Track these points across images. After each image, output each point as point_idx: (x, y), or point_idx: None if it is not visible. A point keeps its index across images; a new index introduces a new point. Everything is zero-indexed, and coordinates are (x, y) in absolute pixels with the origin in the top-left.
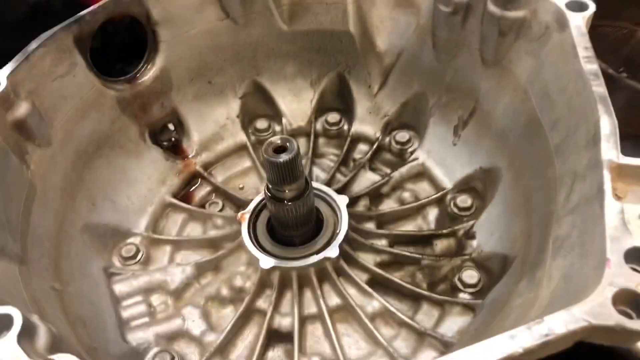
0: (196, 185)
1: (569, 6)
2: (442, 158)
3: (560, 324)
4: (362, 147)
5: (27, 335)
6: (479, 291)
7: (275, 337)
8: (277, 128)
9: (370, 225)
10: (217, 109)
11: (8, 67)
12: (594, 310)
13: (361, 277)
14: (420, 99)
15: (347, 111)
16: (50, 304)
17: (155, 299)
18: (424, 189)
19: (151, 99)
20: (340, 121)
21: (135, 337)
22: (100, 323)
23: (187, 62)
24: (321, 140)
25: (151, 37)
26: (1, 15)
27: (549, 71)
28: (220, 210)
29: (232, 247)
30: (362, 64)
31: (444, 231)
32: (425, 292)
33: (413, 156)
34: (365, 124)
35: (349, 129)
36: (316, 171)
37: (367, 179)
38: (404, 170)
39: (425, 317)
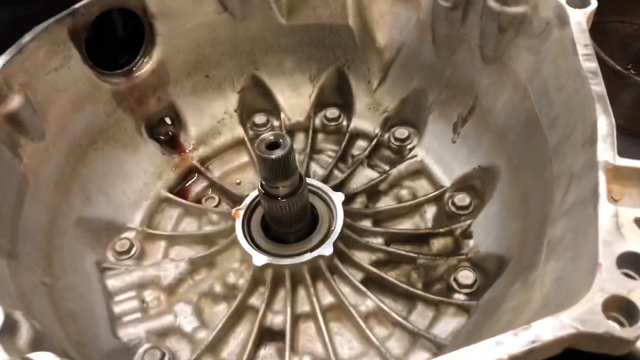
0: (193, 180)
1: (570, 2)
2: (441, 156)
3: (547, 330)
4: (361, 143)
5: (8, 332)
6: (475, 292)
7: (267, 335)
8: (276, 123)
9: (366, 223)
10: (215, 103)
11: (0, 60)
12: (582, 316)
13: (355, 276)
14: (420, 95)
15: (346, 107)
16: (39, 298)
17: (148, 295)
18: (422, 186)
19: (148, 92)
20: (339, 117)
21: (126, 333)
22: (91, 318)
23: (185, 56)
24: (320, 136)
25: (148, 30)
26: None
27: (549, 68)
28: (217, 206)
29: (226, 243)
30: (361, 58)
31: (441, 230)
32: (420, 292)
33: (412, 153)
34: (365, 120)
35: (348, 125)
36: (314, 167)
37: (365, 176)
38: (402, 167)
39: (420, 317)
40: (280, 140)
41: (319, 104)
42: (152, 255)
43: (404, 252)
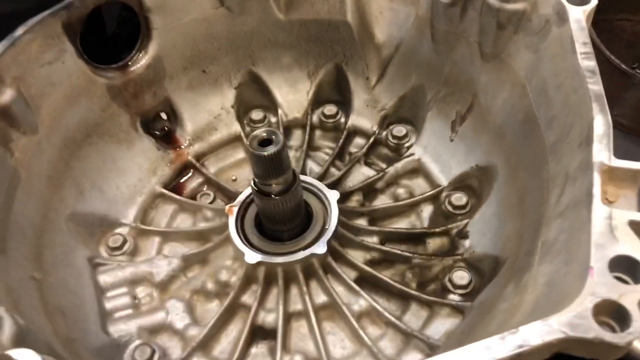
0: (188, 176)
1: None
2: (439, 154)
3: (535, 334)
4: (359, 140)
5: None
6: (470, 293)
7: (259, 333)
8: (273, 119)
9: (361, 222)
10: (212, 99)
11: None
12: (572, 321)
13: (349, 275)
14: (418, 92)
15: (344, 104)
16: (28, 293)
17: (141, 291)
18: (419, 185)
19: (143, 87)
20: (337, 114)
21: (117, 329)
22: (81, 314)
23: (181, 51)
24: (317, 133)
25: (143, 25)
26: None
27: (547, 66)
28: (212, 202)
29: (218, 240)
30: (360, 55)
31: (437, 230)
32: (414, 292)
33: (409, 151)
34: (362, 117)
35: (346, 122)
36: (310, 164)
37: (362, 174)
38: (399, 165)
39: (414, 317)
40: (273, 136)
41: (317, 101)
42: (145, 252)
43: (399, 252)
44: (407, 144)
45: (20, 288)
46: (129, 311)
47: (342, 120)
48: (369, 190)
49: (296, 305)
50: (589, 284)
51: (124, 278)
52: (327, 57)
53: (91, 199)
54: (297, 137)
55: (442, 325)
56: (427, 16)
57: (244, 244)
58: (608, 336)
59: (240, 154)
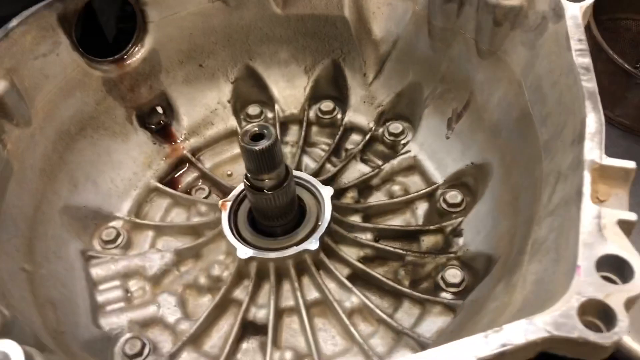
0: (183, 170)
1: None
2: (435, 151)
3: (519, 333)
4: (355, 137)
5: None
6: (462, 291)
7: (250, 328)
8: (270, 115)
9: (355, 218)
10: (208, 93)
11: None
12: (557, 320)
13: (342, 271)
14: (415, 89)
15: (341, 100)
16: (18, 285)
17: (133, 285)
18: (414, 182)
19: (139, 81)
20: (333, 110)
21: (109, 322)
22: (72, 306)
23: (177, 44)
24: (314, 129)
25: (140, 18)
26: None
27: (543, 63)
28: (207, 197)
29: (212, 235)
30: (357, 51)
31: (431, 227)
32: (407, 290)
33: (405, 148)
34: (359, 114)
35: (343, 118)
36: (306, 160)
37: (358, 170)
38: (395, 162)
39: (405, 315)
40: (265, 131)
41: (314, 97)
42: (138, 245)
43: (392, 249)
44: (403, 141)
45: (10, 280)
46: (121, 304)
47: (339, 116)
48: (364, 187)
49: (288, 301)
50: (575, 283)
51: (117, 271)
52: (324, 52)
53: (85, 192)
54: (293, 133)
55: (433, 323)
56: (424, 12)
57: (237, 239)
58: (592, 336)
59: (236, 149)
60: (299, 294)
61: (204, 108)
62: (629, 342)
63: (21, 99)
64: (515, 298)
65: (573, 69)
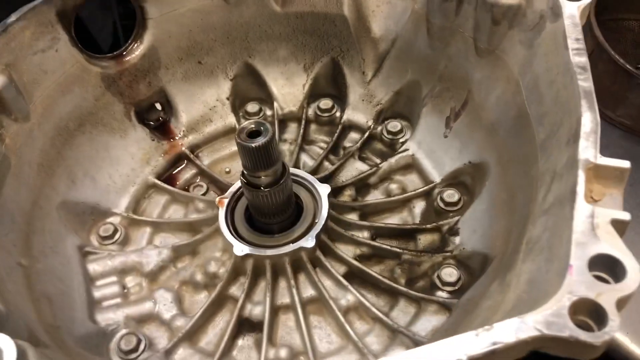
0: (181, 167)
1: None
2: (433, 150)
3: (510, 332)
4: (354, 135)
5: None
6: (458, 290)
7: (246, 325)
8: (268, 112)
9: (352, 216)
10: (207, 90)
11: None
12: (548, 319)
13: (338, 269)
14: (414, 87)
15: (340, 98)
16: (13, 279)
17: (130, 281)
18: (412, 181)
19: (138, 77)
20: (332, 107)
21: (105, 318)
22: (68, 301)
23: (176, 41)
24: (312, 127)
25: (139, 14)
26: None
27: (541, 62)
28: (205, 194)
29: (208, 232)
30: (356, 49)
31: (428, 226)
32: (403, 288)
33: (404, 147)
34: (358, 112)
35: (341, 116)
36: (304, 158)
37: (355, 169)
38: (393, 161)
39: (401, 313)
40: (262, 128)
41: (313, 94)
42: (136, 241)
43: (388, 247)
44: (401, 140)
45: (5, 274)
46: (118, 300)
47: (338, 114)
48: (362, 185)
49: (284, 299)
50: (567, 282)
51: (114, 267)
52: (323, 50)
53: (83, 188)
54: (292, 131)
55: (429, 322)
56: (423, 10)
57: (233, 236)
58: (583, 335)
59: (235, 147)
60: (294, 291)
61: (203, 105)
62: (628, 343)
63: (19, 94)
64: (509, 297)
65: (570, 68)
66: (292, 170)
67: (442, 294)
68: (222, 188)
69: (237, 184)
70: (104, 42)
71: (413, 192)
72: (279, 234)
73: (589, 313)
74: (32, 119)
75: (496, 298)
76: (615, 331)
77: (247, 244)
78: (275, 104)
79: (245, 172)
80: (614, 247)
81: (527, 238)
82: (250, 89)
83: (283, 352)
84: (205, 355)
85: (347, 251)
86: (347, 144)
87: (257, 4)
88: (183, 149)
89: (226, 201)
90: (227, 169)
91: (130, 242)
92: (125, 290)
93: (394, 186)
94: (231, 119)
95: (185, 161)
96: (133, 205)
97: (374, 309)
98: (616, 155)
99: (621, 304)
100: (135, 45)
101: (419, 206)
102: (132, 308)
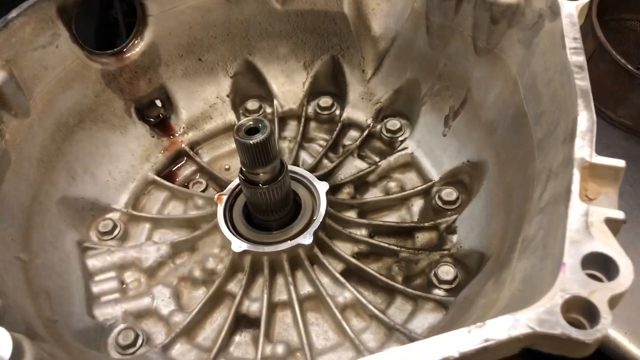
0: (181, 164)
1: None
2: (432, 149)
3: (502, 329)
4: (353, 133)
5: None
6: (455, 288)
7: (243, 321)
8: (268, 110)
9: (351, 214)
10: (207, 88)
11: None
12: (540, 316)
13: (335, 267)
14: (413, 86)
15: (340, 96)
16: (12, 274)
17: (129, 276)
18: (410, 179)
19: (138, 74)
20: (332, 105)
21: (103, 313)
22: (67, 296)
23: (177, 38)
24: (312, 125)
25: (140, 11)
26: None
27: (539, 61)
28: (204, 191)
29: (207, 228)
30: (356, 47)
31: (426, 224)
32: (400, 286)
33: (403, 145)
34: (358, 110)
35: (341, 115)
36: (304, 156)
37: (354, 167)
38: (392, 159)
39: (398, 311)
40: (260, 125)
41: (313, 92)
42: (135, 237)
43: (386, 245)
44: (400, 138)
45: (4, 268)
46: (116, 295)
47: (337, 112)
48: (361, 183)
49: (281, 295)
50: (560, 280)
51: (113, 263)
52: (324, 48)
53: (83, 184)
54: (291, 128)
55: (425, 320)
56: (422, 9)
57: (231, 232)
58: (575, 333)
59: (234, 144)
60: (292, 288)
61: (203, 102)
62: (626, 343)
63: (20, 89)
64: (503, 295)
65: (567, 67)
66: (291, 167)
67: (438, 292)
68: (221, 185)
69: (236, 181)
70: (105, 39)
71: (411, 191)
72: (277, 230)
73: (581, 311)
74: (32, 114)
75: (491, 296)
76: (607, 329)
77: (245, 241)
78: (275, 102)
79: (243, 169)
80: (608, 245)
81: (523, 236)
82: (250, 86)
83: (280, 349)
84: (202, 351)
85: (344, 248)
86: (346, 142)
87: (257, 1)
88: (183, 145)
89: (225, 198)
90: (227, 166)
91: (129, 238)
92: (124, 286)
93: (392, 184)
94: (231, 116)
95: (185, 158)
96: (132, 202)
97: (370, 307)
98: (617, 155)
99: (614, 302)
100: (136, 42)
101: (417, 204)
102: (131, 303)
